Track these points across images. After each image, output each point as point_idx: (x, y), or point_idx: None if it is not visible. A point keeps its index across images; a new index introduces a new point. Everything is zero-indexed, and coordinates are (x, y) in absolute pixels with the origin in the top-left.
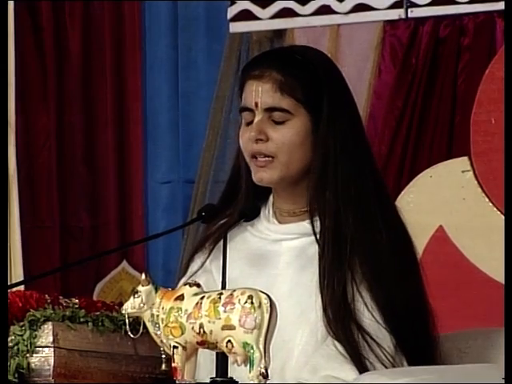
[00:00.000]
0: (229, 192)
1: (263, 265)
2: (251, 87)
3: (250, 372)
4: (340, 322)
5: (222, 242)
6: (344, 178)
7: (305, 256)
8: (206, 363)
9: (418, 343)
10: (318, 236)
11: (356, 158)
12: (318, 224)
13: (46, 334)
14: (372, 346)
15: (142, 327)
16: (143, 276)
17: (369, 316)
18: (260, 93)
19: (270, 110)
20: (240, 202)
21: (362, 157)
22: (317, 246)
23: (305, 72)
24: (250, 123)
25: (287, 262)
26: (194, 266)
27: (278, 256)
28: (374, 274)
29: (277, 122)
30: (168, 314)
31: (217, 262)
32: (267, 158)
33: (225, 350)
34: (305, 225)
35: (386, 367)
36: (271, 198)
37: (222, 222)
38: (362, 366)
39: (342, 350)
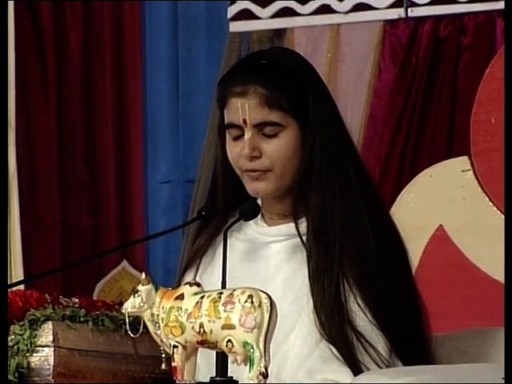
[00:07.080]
0: (211, 200)
1: (253, 271)
2: (236, 104)
3: (249, 371)
4: (334, 324)
5: (207, 257)
6: (329, 179)
7: (295, 258)
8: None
9: (412, 343)
10: (303, 238)
11: (341, 158)
12: (304, 225)
13: (46, 334)
14: (367, 348)
15: (142, 326)
16: (143, 275)
17: (362, 317)
18: (247, 110)
19: (259, 125)
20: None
21: (347, 156)
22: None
23: (288, 81)
24: (237, 138)
25: (277, 265)
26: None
27: (267, 259)
28: (364, 273)
29: (268, 136)
30: (168, 313)
31: (206, 274)
32: (261, 172)
33: (225, 349)
34: (294, 226)
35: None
36: (259, 201)
37: (207, 235)
38: (357, 368)
39: (337, 352)
